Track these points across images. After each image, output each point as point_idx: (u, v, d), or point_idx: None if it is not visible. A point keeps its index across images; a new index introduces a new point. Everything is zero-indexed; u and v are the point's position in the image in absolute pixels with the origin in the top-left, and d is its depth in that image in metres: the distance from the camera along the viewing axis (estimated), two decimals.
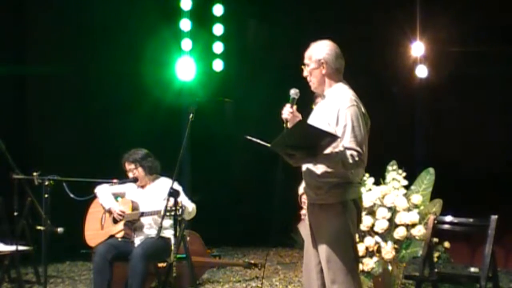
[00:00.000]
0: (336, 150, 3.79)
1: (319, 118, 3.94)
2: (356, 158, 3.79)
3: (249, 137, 3.90)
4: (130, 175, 5.82)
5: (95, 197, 5.86)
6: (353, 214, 3.93)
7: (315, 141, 3.77)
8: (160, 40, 9.17)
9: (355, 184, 3.94)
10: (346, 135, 3.81)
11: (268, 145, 3.83)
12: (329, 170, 3.86)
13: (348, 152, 3.78)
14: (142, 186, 5.84)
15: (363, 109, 3.95)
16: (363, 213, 5.25)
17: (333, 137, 3.76)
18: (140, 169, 5.79)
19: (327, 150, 3.79)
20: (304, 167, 3.99)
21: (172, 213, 4.68)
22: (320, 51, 4.00)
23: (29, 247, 6.50)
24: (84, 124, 9.02)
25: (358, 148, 3.80)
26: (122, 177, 5.86)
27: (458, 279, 5.80)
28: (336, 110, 3.87)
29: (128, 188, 5.86)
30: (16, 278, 6.39)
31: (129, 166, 5.82)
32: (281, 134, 3.87)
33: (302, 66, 4.07)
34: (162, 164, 5.92)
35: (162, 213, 4.74)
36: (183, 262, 5.72)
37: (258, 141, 3.88)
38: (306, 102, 4.13)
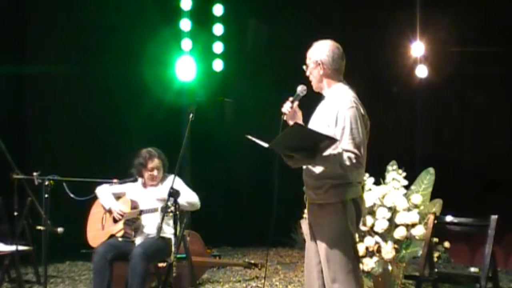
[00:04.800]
0: (334, 152, 3.80)
1: (319, 119, 3.94)
2: (354, 160, 3.78)
3: (249, 136, 3.90)
4: (147, 173, 5.75)
5: (95, 197, 5.85)
6: (353, 213, 3.93)
7: (313, 143, 3.77)
8: (160, 40, 9.16)
9: (354, 184, 3.94)
10: (345, 137, 3.81)
11: (267, 145, 3.84)
12: (327, 171, 3.86)
13: (346, 154, 3.78)
14: (145, 185, 5.81)
15: (362, 111, 3.94)
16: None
17: (331, 140, 3.76)
18: (162, 170, 5.77)
19: (325, 152, 3.79)
20: (304, 166, 3.99)
21: (171, 213, 4.67)
22: (318, 52, 4.01)
23: (29, 247, 6.51)
24: (84, 124, 9.02)
25: (355, 150, 3.79)
26: (123, 177, 5.85)
27: (458, 279, 5.79)
28: (335, 111, 3.87)
29: (129, 188, 5.85)
30: (16, 278, 6.38)
31: (154, 164, 5.72)
32: (278, 134, 3.87)
33: (304, 66, 4.07)
34: None
35: (161, 213, 4.75)
36: (183, 262, 5.71)
37: (258, 140, 3.88)
38: (310, 100, 4.12)
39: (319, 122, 3.90)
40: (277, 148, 3.85)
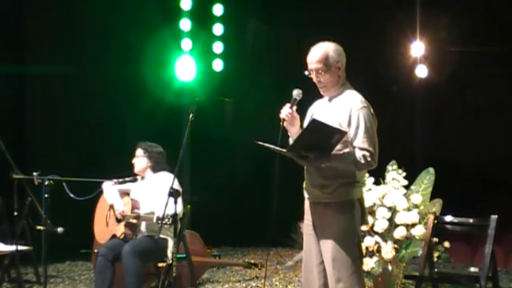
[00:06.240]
0: (348, 150, 3.80)
1: (328, 118, 3.89)
2: (369, 159, 3.80)
3: (260, 142, 3.86)
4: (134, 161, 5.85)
5: (98, 195, 5.84)
6: (359, 213, 3.93)
7: (325, 138, 3.74)
8: (160, 40, 9.16)
9: (360, 183, 3.96)
10: (359, 136, 3.82)
11: (284, 150, 3.79)
12: (337, 169, 3.85)
13: (361, 153, 3.80)
14: (142, 178, 5.84)
15: (372, 110, 3.95)
16: None
17: (341, 133, 3.75)
18: (144, 161, 5.80)
19: (339, 151, 3.78)
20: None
21: (168, 222, 4.83)
22: (336, 54, 3.95)
23: (29, 247, 6.50)
24: (84, 124, 9.01)
25: (371, 149, 3.81)
26: (123, 177, 5.85)
27: (458, 279, 5.79)
28: (348, 111, 3.87)
29: (133, 186, 5.85)
30: (16, 278, 6.38)
31: (136, 153, 5.85)
32: (296, 138, 3.83)
33: (311, 72, 3.97)
34: None
35: (160, 216, 4.83)
36: (183, 262, 5.72)
37: (271, 146, 3.81)
38: (306, 104, 4.11)
39: (330, 122, 3.84)
40: (295, 149, 3.80)
